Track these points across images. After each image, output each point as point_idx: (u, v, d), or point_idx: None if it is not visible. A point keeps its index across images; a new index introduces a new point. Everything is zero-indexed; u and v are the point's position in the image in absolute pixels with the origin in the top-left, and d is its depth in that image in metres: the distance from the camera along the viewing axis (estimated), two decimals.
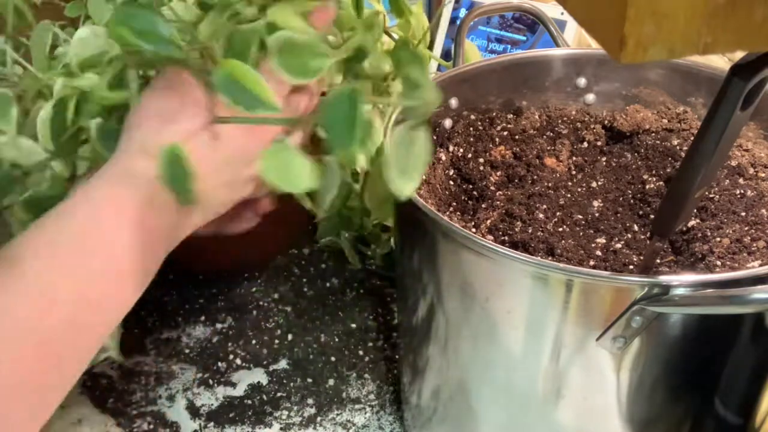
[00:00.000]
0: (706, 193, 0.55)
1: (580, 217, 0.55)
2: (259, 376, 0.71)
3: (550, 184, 0.58)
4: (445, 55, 0.97)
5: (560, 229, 0.54)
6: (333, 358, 0.72)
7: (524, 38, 0.95)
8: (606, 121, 0.66)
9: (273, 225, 0.55)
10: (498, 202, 0.57)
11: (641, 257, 0.50)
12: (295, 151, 0.44)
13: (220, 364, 0.73)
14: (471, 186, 0.61)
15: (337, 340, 0.74)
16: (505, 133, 0.65)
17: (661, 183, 0.58)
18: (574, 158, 0.63)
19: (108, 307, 0.41)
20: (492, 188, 0.60)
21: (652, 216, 0.55)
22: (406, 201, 0.49)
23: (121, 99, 0.46)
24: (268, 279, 0.81)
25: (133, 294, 0.42)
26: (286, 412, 0.68)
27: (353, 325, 0.76)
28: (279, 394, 0.69)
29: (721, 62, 0.72)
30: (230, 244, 0.54)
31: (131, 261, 0.41)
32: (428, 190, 0.59)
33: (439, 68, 0.91)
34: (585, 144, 0.64)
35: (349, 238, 0.80)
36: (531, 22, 0.94)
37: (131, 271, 0.41)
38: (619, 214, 0.56)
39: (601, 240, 0.53)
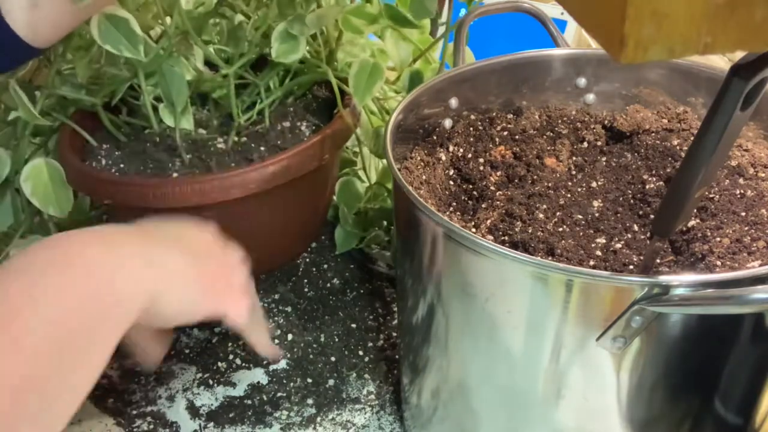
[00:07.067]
0: (706, 193, 0.55)
1: (580, 217, 0.55)
2: (259, 376, 0.71)
3: (550, 184, 0.58)
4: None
5: (560, 229, 0.54)
6: (333, 358, 0.72)
7: None
8: (606, 121, 0.66)
9: (285, 235, 0.55)
10: (498, 202, 0.57)
11: (641, 257, 0.50)
12: None
13: (220, 364, 0.73)
14: (471, 186, 0.61)
15: (337, 340, 0.74)
16: (505, 133, 0.65)
17: (661, 183, 0.58)
18: (574, 158, 0.63)
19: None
20: (492, 188, 0.60)
21: (652, 216, 0.55)
22: (406, 201, 0.49)
23: None
24: (268, 279, 0.81)
25: None
26: (286, 412, 0.68)
27: (353, 325, 0.76)
28: (279, 394, 0.69)
29: (721, 62, 0.72)
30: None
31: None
32: (428, 190, 0.59)
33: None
34: (585, 144, 0.64)
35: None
36: None
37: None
38: (619, 214, 0.56)
39: (601, 240, 0.53)
